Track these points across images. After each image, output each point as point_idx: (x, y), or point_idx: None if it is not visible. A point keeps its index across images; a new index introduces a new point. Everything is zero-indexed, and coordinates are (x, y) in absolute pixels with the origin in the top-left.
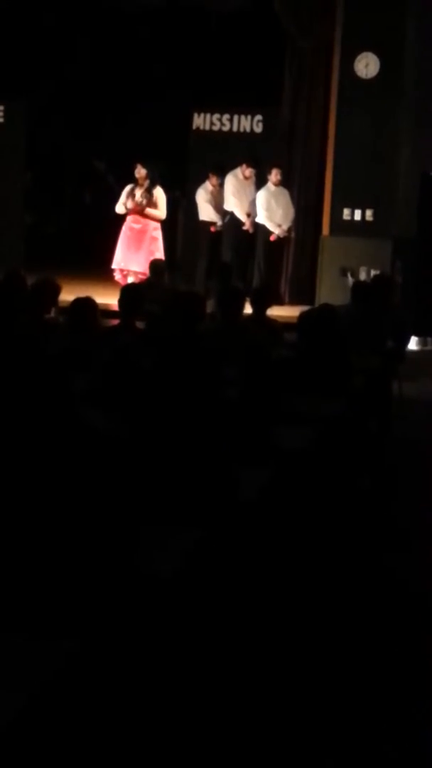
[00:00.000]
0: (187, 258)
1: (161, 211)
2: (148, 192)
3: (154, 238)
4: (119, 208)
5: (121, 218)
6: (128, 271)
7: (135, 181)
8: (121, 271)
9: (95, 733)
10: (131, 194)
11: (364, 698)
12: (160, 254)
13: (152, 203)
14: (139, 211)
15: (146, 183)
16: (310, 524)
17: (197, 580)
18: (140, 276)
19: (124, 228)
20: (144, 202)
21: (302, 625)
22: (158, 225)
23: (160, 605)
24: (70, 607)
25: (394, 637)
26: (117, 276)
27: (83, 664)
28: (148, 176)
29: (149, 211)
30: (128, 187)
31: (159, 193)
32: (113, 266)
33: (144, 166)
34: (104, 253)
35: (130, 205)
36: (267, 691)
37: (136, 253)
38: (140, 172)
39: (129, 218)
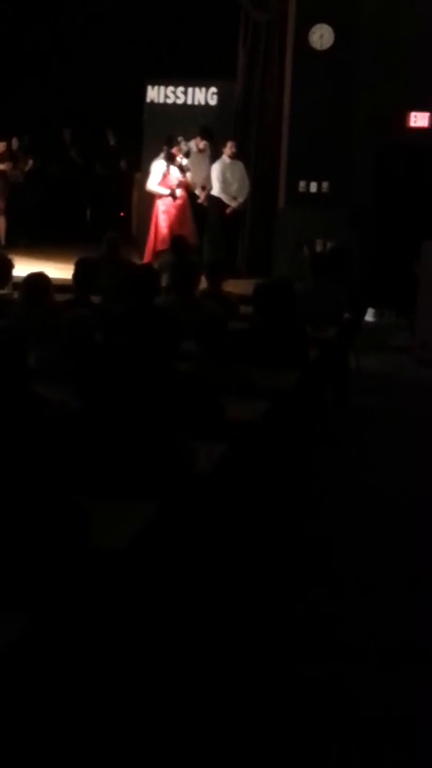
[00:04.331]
0: (142, 231)
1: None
2: (182, 168)
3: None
4: (158, 188)
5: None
6: None
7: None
8: None
9: (52, 707)
10: (168, 173)
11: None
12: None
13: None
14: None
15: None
16: (264, 496)
17: (152, 553)
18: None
19: (164, 209)
20: (182, 176)
21: (256, 596)
22: None
23: (114, 579)
24: (24, 581)
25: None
26: None
27: (38, 637)
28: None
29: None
30: (161, 165)
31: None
32: None
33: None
34: (68, 227)
35: (174, 182)
36: (221, 658)
37: (180, 226)
38: (188, 146)
39: (166, 199)
